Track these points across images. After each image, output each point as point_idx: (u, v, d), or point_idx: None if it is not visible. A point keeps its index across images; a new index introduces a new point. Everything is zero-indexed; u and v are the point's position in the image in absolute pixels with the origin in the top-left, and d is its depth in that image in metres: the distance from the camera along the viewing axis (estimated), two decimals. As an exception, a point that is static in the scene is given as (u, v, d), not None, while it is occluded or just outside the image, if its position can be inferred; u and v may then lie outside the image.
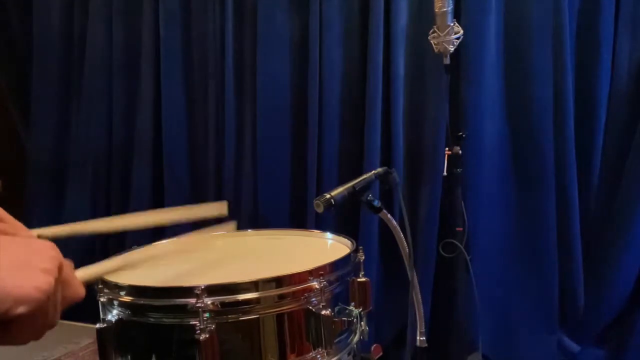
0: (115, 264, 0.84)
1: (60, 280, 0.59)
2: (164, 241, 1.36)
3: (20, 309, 0.53)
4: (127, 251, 1.28)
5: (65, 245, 0.69)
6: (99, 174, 2.75)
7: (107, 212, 2.74)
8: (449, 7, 1.69)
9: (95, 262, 1.20)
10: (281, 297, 0.93)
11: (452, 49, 1.74)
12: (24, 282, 0.54)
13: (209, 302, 0.87)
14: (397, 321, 2.23)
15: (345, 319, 1.02)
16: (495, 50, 2.09)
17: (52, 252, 0.59)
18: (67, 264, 0.63)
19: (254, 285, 0.91)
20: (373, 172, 1.39)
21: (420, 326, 1.50)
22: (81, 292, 0.65)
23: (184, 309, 0.88)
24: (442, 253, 1.91)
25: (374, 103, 2.18)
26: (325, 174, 2.29)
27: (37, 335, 0.59)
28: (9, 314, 0.53)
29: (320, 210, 1.20)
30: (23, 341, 0.58)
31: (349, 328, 1.07)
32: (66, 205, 2.79)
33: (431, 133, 2.16)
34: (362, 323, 1.13)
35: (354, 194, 1.29)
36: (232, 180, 2.46)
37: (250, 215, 2.42)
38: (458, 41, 1.74)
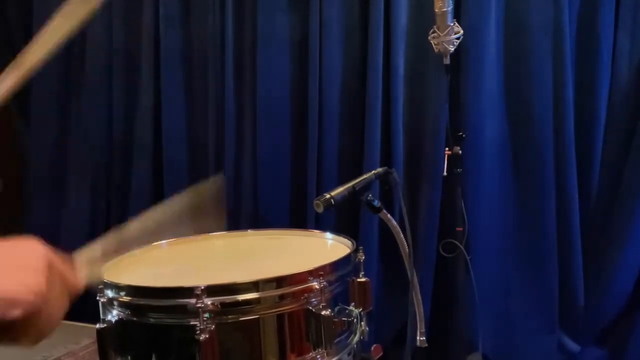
0: (109, 245, 0.80)
1: (55, 276, 0.58)
2: (163, 241, 1.36)
3: (14, 312, 0.52)
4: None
5: (66, 250, 0.69)
6: (99, 174, 2.75)
7: (107, 212, 2.74)
8: (449, 7, 1.69)
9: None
10: (281, 297, 0.93)
11: (452, 49, 1.74)
12: (13, 284, 0.53)
13: (209, 303, 0.87)
14: (397, 321, 2.23)
15: (345, 319, 1.02)
16: (495, 50, 2.09)
17: (39, 251, 0.58)
18: (59, 258, 0.61)
19: (254, 286, 0.91)
20: (373, 172, 1.39)
21: (420, 326, 1.50)
22: (80, 283, 0.64)
23: (184, 309, 0.88)
24: (442, 253, 1.91)
25: (374, 103, 2.19)
26: (325, 174, 2.29)
27: (43, 335, 0.58)
28: (4, 318, 0.52)
29: (320, 210, 1.20)
30: (30, 343, 0.57)
31: (349, 328, 1.06)
32: (66, 205, 2.79)
33: (431, 133, 2.16)
34: (362, 323, 1.13)
35: (354, 194, 1.29)
36: (232, 180, 2.46)
37: (250, 215, 2.42)
38: (458, 41, 1.74)
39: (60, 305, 0.60)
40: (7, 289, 0.53)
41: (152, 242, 0.89)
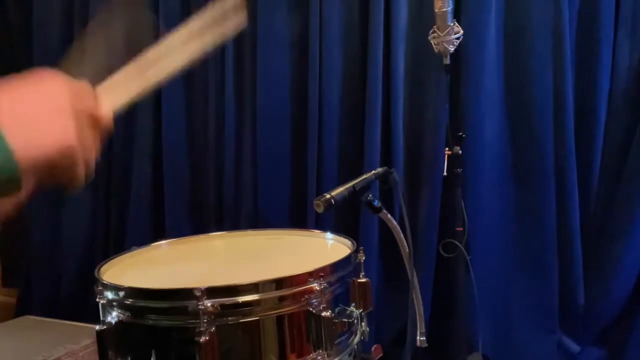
0: (131, 72, 0.76)
1: (82, 112, 0.56)
2: (163, 242, 1.36)
3: (49, 165, 0.52)
4: (127, 251, 1.29)
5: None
6: (99, 174, 2.75)
7: (107, 212, 2.74)
8: (449, 7, 1.69)
9: (95, 262, 1.21)
10: (281, 298, 0.93)
11: (452, 49, 1.74)
12: (41, 136, 0.51)
13: (209, 304, 0.87)
14: (397, 321, 2.23)
15: (346, 320, 1.02)
16: (495, 50, 2.09)
17: (61, 88, 0.55)
18: (82, 92, 0.59)
19: (255, 287, 0.91)
20: (373, 172, 1.39)
21: (420, 326, 1.50)
22: (107, 115, 0.63)
23: (184, 311, 0.88)
24: (442, 253, 1.91)
25: (374, 103, 2.18)
26: (325, 174, 2.29)
27: (87, 174, 0.58)
28: (40, 172, 0.52)
29: (320, 210, 1.20)
30: (76, 184, 0.57)
31: (350, 329, 1.06)
32: (66, 204, 2.79)
33: (431, 133, 2.16)
34: (363, 324, 1.12)
35: (354, 194, 1.29)
36: (232, 180, 2.46)
37: (250, 215, 2.42)
38: (458, 41, 1.74)
39: (93, 141, 0.59)
40: (37, 142, 0.51)
41: (177, 63, 0.85)
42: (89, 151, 0.57)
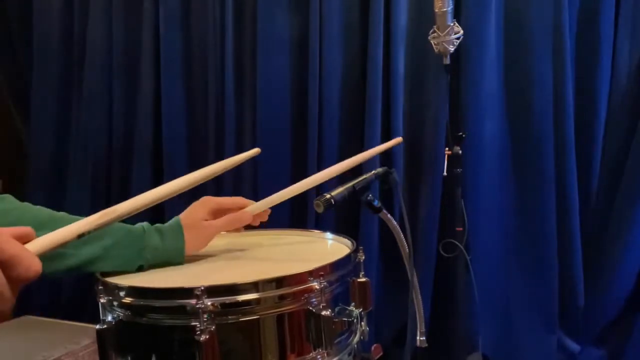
0: (73, 230, 0.67)
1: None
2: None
3: None
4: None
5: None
6: (99, 174, 2.75)
7: (107, 212, 2.74)
8: (449, 7, 1.69)
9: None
10: (281, 297, 0.93)
11: (452, 49, 1.74)
12: None
13: (209, 303, 0.87)
14: (397, 321, 2.23)
15: (346, 319, 1.01)
16: (495, 50, 2.09)
17: None
18: (7, 238, 0.53)
19: (254, 286, 0.91)
20: (373, 172, 1.39)
21: (420, 326, 1.50)
22: (34, 268, 0.54)
23: (184, 310, 0.88)
24: (442, 253, 1.91)
25: (374, 103, 2.19)
26: (325, 174, 2.29)
27: None
28: None
29: (320, 210, 1.20)
30: None
31: (349, 328, 1.06)
32: (66, 205, 2.79)
33: (431, 133, 2.16)
34: (363, 323, 1.12)
35: (354, 194, 1.28)
36: (232, 180, 2.46)
37: (250, 215, 2.42)
38: (458, 41, 1.74)
39: (6, 294, 0.52)
40: None
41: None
42: None
